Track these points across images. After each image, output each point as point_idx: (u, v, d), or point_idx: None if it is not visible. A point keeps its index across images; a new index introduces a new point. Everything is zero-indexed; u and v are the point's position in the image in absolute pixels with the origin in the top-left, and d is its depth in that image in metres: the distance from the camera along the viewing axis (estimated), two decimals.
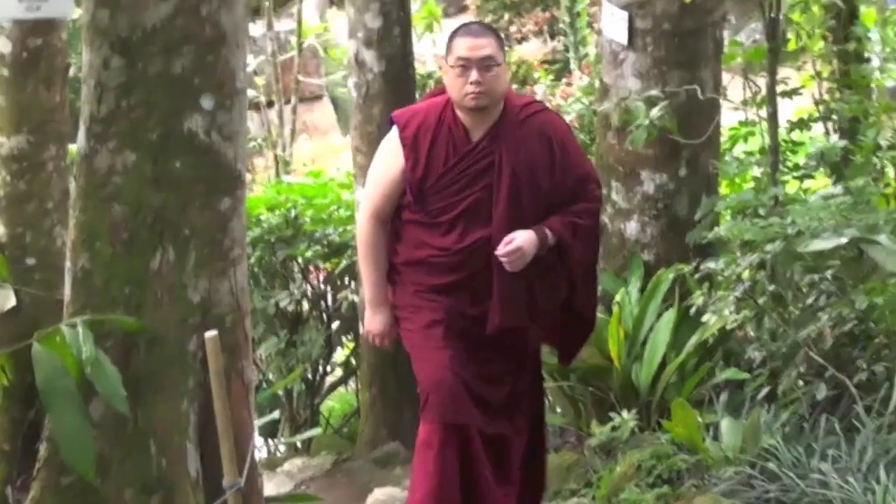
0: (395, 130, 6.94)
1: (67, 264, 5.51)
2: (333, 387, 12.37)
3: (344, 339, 11.91)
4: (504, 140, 6.76)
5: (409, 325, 7.07)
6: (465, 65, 6.61)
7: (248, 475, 5.09)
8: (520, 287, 6.79)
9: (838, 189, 8.89)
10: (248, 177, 11.88)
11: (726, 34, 11.27)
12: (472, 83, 6.58)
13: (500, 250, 6.58)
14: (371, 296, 7.22)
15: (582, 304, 7.27)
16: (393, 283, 7.13)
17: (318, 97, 23.55)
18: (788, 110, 10.63)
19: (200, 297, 5.38)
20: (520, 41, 23.80)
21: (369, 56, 10.44)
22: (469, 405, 6.90)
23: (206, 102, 5.34)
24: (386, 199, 6.97)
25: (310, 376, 11.78)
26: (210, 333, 4.83)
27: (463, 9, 26.49)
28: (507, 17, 25.01)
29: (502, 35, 21.41)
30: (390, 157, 6.93)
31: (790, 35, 10.85)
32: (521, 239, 6.60)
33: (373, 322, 7.26)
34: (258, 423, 8.70)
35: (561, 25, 20.59)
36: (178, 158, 5.32)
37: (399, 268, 7.07)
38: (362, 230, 7.15)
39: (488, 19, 25.08)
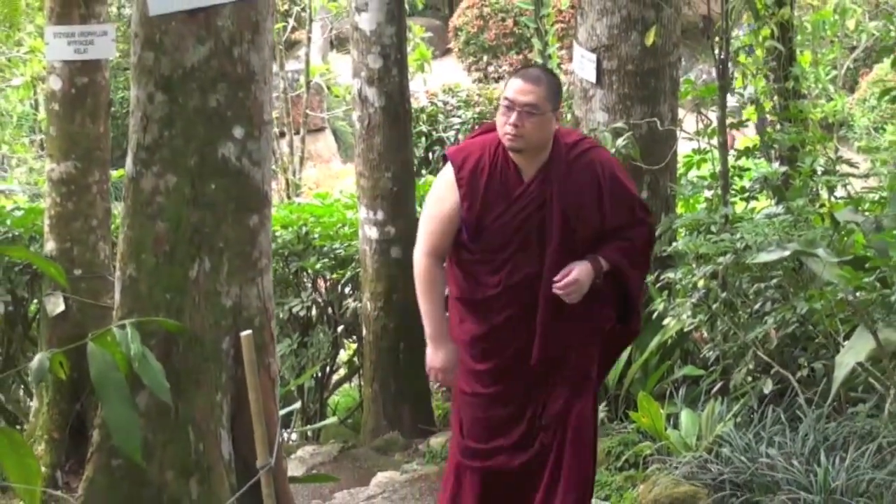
0: (449, 169, 6.33)
1: (117, 273, 5.52)
2: (339, 383, 12.35)
3: (347, 341, 11.88)
4: (554, 180, 6.19)
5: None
6: (510, 105, 6.07)
7: (276, 457, 5.10)
8: (566, 320, 6.18)
9: (780, 209, 8.92)
10: None
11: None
12: (510, 125, 6.05)
13: (559, 283, 6.05)
14: (431, 331, 6.48)
15: (635, 324, 6.67)
16: (461, 314, 6.48)
17: (321, 129, 23.51)
18: (736, 140, 10.68)
19: (232, 302, 5.39)
20: (497, 80, 23.76)
21: (371, 93, 10.47)
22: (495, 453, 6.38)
23: (238, 132, 5.36)
24: (442, 236, 6.33)
25: (318, 374, 11.76)
26: (245, 333, 4.85)
27: (447, 51, 26.42)
28: (485, 59, 24.97)
29: (486, 74, 21.14)
30: (447, 194, 6.30)
31: (737, 74, 10.88)
32: (578, 271, 6.07)
33: (435, 358, 6.50)
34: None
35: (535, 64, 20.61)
36: (213, 181, 5.33)
37: (460, 306, 6.45)
38: (420, 266, 6.46)
39: (469, 61, 25.11)
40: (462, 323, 6.38)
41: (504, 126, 6.06)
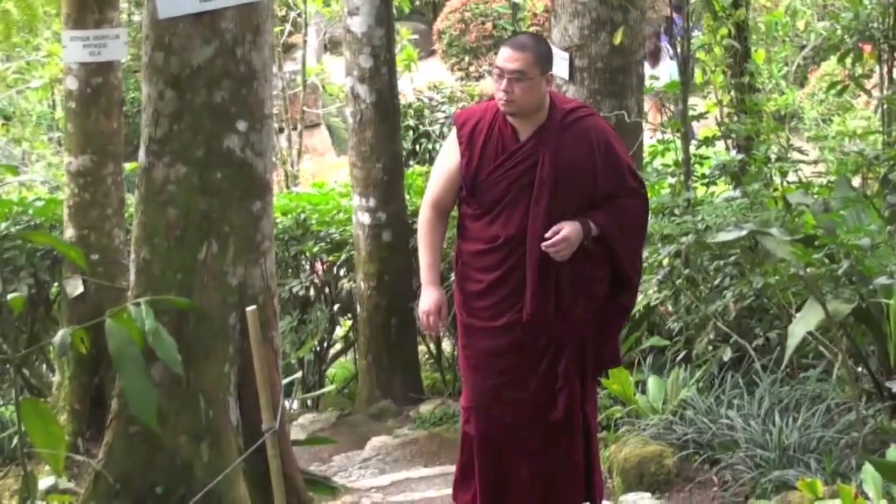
0: (454, 129, 6.30)
1: (131, 256, 5.53)
2: (336, 356, 12.35)
3: (343, 318, 11.89)
4: (548, 141, 6.05)
5: (463, 318, 6.32)
6: (500, 73, 6.00)
7: (280, 421, 5.12)
8: (551, 275, 6.03)
9: (737, 193, 8.94)
10: None
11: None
12: (501, 90, 5.98)
13: (549, 240, 5.89)
14: (425, 277, 6.38)
15: (628, 298, 6.49)
16: (463, 276, 6.32)
17: (316, 125, 23.43)
18: (697, 131, 10.70)
19: (238, 281, 5.42)
20: (478, 78, 23.73)
21: (363, 90, 10.47)
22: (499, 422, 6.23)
23: (241, 125, 5.37)
24: (444, 190, 6.28)
25: (317, 348, 11.77)
26: (250, 309, 4.86)
27: (432, 52, 26.35)
28: (466, 59, 24.91)
29: (468, 73, 21.05)
30: (450, 152, 6.26)
31: (697, 71, 10.90)
32: (568, 229, 5.90)
33: (424, 300, 6.35)
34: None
35: None
36: (220, 170, 5.35)
37: (465, 259, 6.29)
38: (422, 217, 6.40)
39: (452, 61, 25.06)
40: (465, 277, 6.28)
41: (497, 92, 6.01)
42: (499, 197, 6.06)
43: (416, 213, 10.57)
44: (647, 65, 10.38)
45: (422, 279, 6.39)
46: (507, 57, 5.98)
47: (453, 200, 6.31)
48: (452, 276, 6.56)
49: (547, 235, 5.88)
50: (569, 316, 6.07)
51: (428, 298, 6.28)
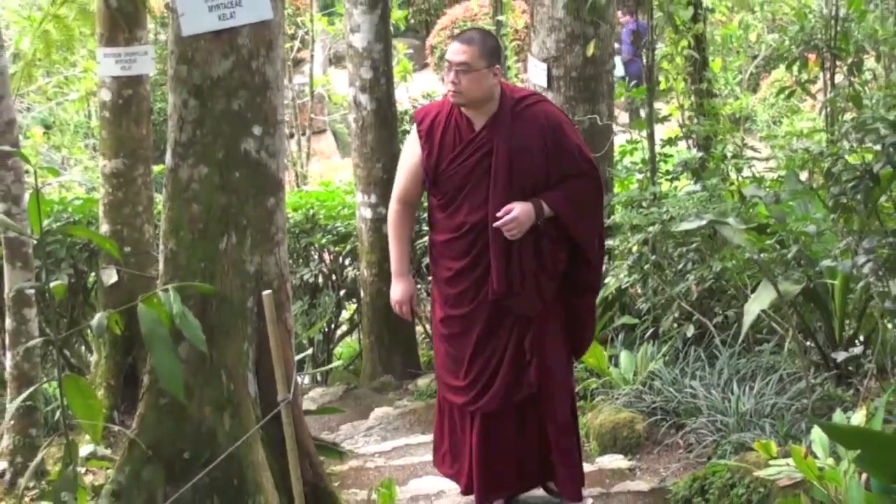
0: (414, 126, 6.21)
1: (160, 248, 5.52)
2: (342, 336, 12.34)
3: (348, 302, 11.88)
4: (500, 129, 5.91)
5: (436, 304, 6.26)
6: (448, 66, 5.88)
7: (293, 394, 5.11)
8: (514, 255, 5.89)
9: (698, 187, 8.92)
10: None
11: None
12: (450, 82, 5.85)
13: (500, 219, 5.78)
14: (394, 268, 6.31)
15: (591, 275, 6.32)
16: (435, 262, 6.24)
17: (323, 130, 23.40)
18: (661, 132, 10.70)
19: (255, 269, 5.40)
20: None
21: (364, 99, 10.45)
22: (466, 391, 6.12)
23: (257, 130, 5.36)
24: (409, 184, 6.19)
25: (325, 329, 11.77)
26: (266, 293, 4.86)
27: (425, 65, 26.33)
28: None
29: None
30: (412, 147, 6.16)
31: (661, 78, 10.90)
32: (518, 210, 5.77)
33: (394, 291, 6.31)
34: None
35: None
36: (238, 170, 5.33)
37: (436, 248, 6.20)
38: (390, 211, 6.32)
39: (442, 73, 24.98)
40: (438, 264, 6.20)
41: (446, 84, 5.91)
42: (459, 185, 5.97)
43: None
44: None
45: (392, 270, 6.33)
46: (454, 50, 5.87)
47: (419, 193, 6.26)
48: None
49: (498, 215, 5.78)
50: (532, 293, 5.96)
51: (398, 289, 6.27)
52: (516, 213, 5.76)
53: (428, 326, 11.44)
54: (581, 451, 6.46)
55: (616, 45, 13.56)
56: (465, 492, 6.39)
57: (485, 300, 5.98)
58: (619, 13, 16.11)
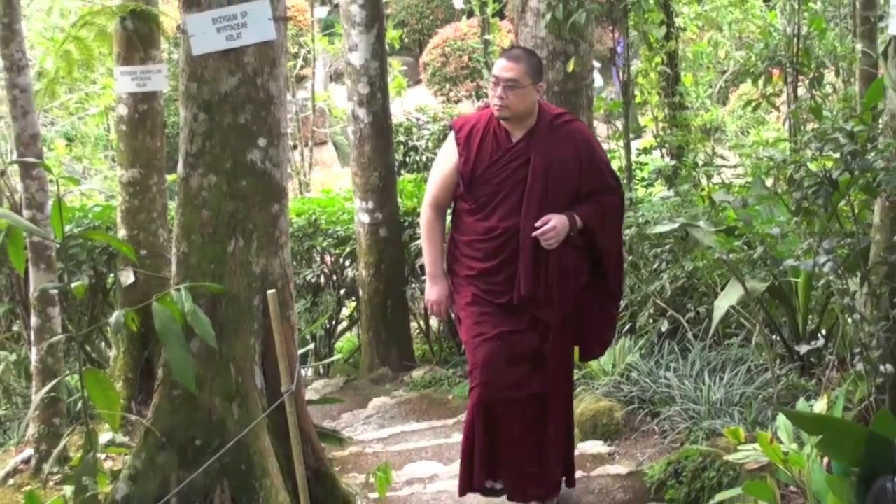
0: (452, 133, 6.05)
1: (173, 251, 5.51)
2: (342, 332, 12.33)
3: (348, 300, 11.87)
4: (537, 142, 5.82)
5: (459, 297, 6.03)
6: (496, 81, 5.78)
7: (296, 385, 5.11)
8: (542, 262, 5.79)
9: (671, 193, 8.94)
10: None
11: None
12: (497, 97, 5.76)
13: (539, 229, 5.68)
14: (430, 270, 6.13)
15: (613, 285, 6.17)
16: (455, 260, 6.07)
17: (324, 142, 23.38)
18: (637, 141, 10.71)
19: (261, 270, 5.39)
20: (456, 102, 23.68)
21: (361, 112, 10.45)
22: (502, 380, 5.90)
23: (262, 142, 5.35)
24: (443, 190, 6.03)
25: (327, 325, 11.76)
26: (270, 292, 4.86)
27: (418, 81, 26.31)
28: (447, 86, 24.87)
29: (448, 97, 20.89)
30: (448, 154, 6.01)
31: (637, 92, 10.91)
32: (556, 220, 5.68)
33: (431, 292, 6.13)
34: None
35: (484, 90, 20.49)
36: (244, 179, 5.33)
37: (459, 248, 6.03)
38: (424, 216, 6.15)
39: (435, 88, 25.01)
40: (464, 264, 6.02)
41: (493, 98, 5.80)
42: (494, 191, 5.85)
43: (407, 214, 10.63)
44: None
45: (427, 272, 6.18)
46: (502, 67, 5.79)
47: (450, 199, 6.08)
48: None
49: (537, 225, 5.69)
50: (552, 300, 5.84)
51: (435, 290, 6.10)
52: (555, 223, 5.69)
53: (422, 323, 11.44)
54: (573, 446, 6.38)
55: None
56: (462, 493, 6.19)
57: (508, 302, 5.85)
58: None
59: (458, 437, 8.09)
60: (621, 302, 8.34)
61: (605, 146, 10.36)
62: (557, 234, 5.69)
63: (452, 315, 6.32)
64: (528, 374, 5.92)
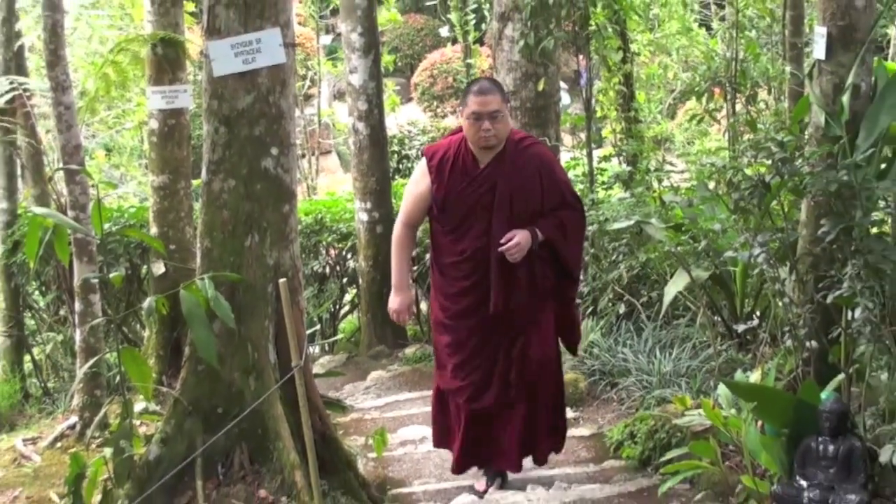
0: (424, 160, 5.74)
1: (198, 245, 5.49)
2: (345, 315, 12.31)
3: (349, 288, 11.86)
4: (503, 168, 5.56)
5: (439, 312, 5.86)
6: (478, 116, 5.42)
7: (304, 360, 5.10)
8: (511, 276, 5.55)
9: (627, 195, 8.95)
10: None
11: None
12: (484, 130, 5.42)
13: (504, 245, 5.44)
14: (395, 281, 5.85)
15: (569, 289, 5.88)
16: (436, 279, 5.83)
17: (329, 151, 23.30)
18: (598, 150, 10.70)
19: (273, 262, 5.38)
20: (443, 117, 23.67)
21: (361, 126, 10.42)
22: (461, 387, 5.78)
23: (274, 151, 5.33)
24: (415, 209, 5.76)
25: (331, 309, 11.75)
26: (282, 280, 4.85)
27: (410, 99, 26.27)
28: (435, 103, 24.85)
29: (436, 113, 20.94)
30: (420, 178, 5.72)
31: (598, 108, 10.91)
32: (519, 236, 5.43)
33: (394, 302, 5.85)
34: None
35: None
36: (259, 183, 5.31)
37: (438, 268, 5.80)
38: (395, 232, 5.88)
39: (424, 105, 25.00)
40: (440, 283, 5.82)
41: (477, 133, 5.48)
42: (465, 214, 5.60)
43: None
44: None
45: (393, 282, 5.89)
46: (482, 101, 5.46)
47: (422, 218, 5.82)
48: (430, 279, 6.07)
49: (502, 241, 5.45)
50: (525, 307, 5.64)
51: (397, 300, 5.83)
52: (518, 239, 5.44)
53: (413, 307, 11.43)
54: (565, 427, 6.12)
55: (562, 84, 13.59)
56: (455, 471, 6.06)
57: (485, 314, 5.62)
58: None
59: None
60: (584, 290, 8.38)
61: (570, 155, 10.42)
62: (521, 249, 5.45)
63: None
64: (504, 379, 5.73)
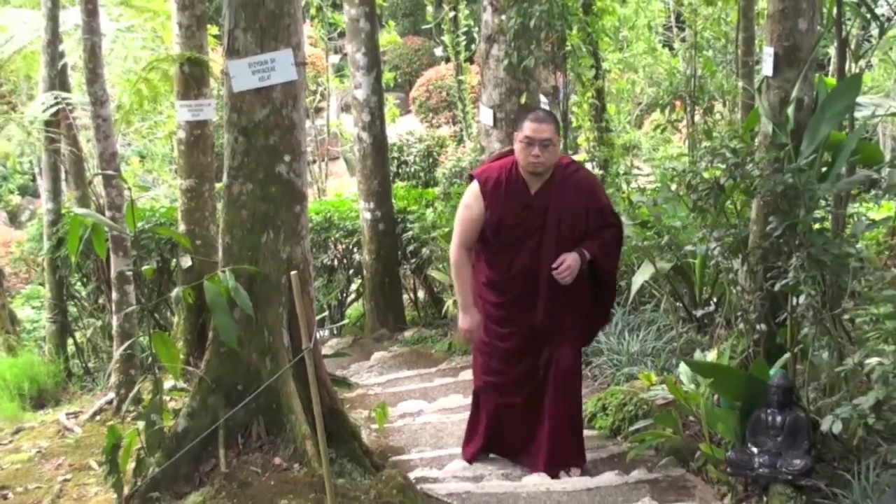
0: (476, 185, 5.47)
1: (220, 242, 5.48)
2: (351, 303, 12.33)
3: (355, 279, 11.87)
4: (552, 194, 5.38)
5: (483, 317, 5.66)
6: (530, 142, 5.25)
7: (314, 343, 5.09)
8: (557, 294, 5.39)
9: None
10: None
11: None
12: (533, 156, 5.25)
13: (557, 269, 5.28)
14: (461, 302, 5.63)
15: (606, 301, 5.77)
16: (482, 286, 5.64)
17: (337, 158, 23.29)
18: (573, 156, 10.68)
19: (286, 256, 5.35)
20: (437, 127, 23.64)
21: (364, 135, 10.43)
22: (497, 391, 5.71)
23: (287, 158, 5.31)
24: (470, 233, 5.50)
25: (339, 297, 11.75)
26: (294, 273, 4.83)
27: (408, 111, 26.23)
28: (430, 115, 24.81)
29: (431, 123, 20.89)
30: (474, 203, 5.47)
31: (573, 119, 10.90)
32: (570, 259, 5.29)
33: (463, 322, 5.64)
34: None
35: (458, 117, 20.44)
36: (274, 186, 5.29)
37: (481, 282, 5.64)
38: (454, 256, 5.60)
39: (421, 116, 24.95)
40: (485, 299, 5.64)
41: (528, 157, 5.29)
42: (518, 237, 5.42)
43: (399, 212, 10.61)
44: None
45: (459, 304, 5.66)
46: (537, 129, 5.28)
47: (475, 241, 5.56)
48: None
49: (554, 266, 5.31)
50: (558, 322, 5.52)
51: (467, 320, 5.63)
52: (569, 262, 5.30)
53: (412, 295, 11.43)
54: (582, 430, 5.85)
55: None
56: (470, 460, 5.93)
57: (524, 325, 5.52)
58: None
59: (439, 381, 8.10)
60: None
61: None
62: (572, 272, 5.32)
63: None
64: (534, 377, 5.63)
